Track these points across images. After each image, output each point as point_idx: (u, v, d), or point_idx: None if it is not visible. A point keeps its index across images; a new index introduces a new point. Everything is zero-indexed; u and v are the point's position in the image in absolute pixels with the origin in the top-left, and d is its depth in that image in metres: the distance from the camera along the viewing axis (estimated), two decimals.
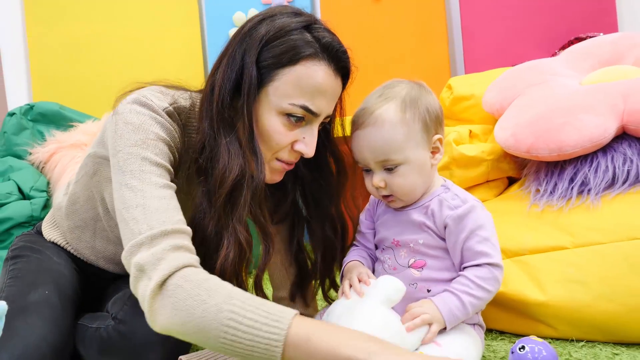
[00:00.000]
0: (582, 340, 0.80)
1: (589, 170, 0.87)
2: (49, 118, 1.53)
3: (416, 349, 0.64)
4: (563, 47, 1.58)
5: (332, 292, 0.84)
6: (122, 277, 0.89)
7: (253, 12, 1.76)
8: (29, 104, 1.54)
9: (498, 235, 0.80)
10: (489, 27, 1.68)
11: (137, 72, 1.76)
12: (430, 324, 0.64)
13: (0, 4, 1.84)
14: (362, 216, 0.82)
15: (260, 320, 0.54)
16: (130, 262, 0.60)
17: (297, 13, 0.69)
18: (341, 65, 0.70)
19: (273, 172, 0.72)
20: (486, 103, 1.14)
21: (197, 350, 0.75)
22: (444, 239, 0.70)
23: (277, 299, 0.88)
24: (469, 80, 1.29)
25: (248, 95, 0.66)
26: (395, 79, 0.75)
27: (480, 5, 1.69)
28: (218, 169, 0.66)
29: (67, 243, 0.88)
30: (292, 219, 0.82)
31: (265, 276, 0.75)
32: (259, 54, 0.67)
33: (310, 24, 0.68)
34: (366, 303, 0.64)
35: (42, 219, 1.25)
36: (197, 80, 0.75)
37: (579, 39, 1.54)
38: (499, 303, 0.85)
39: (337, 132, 0.78)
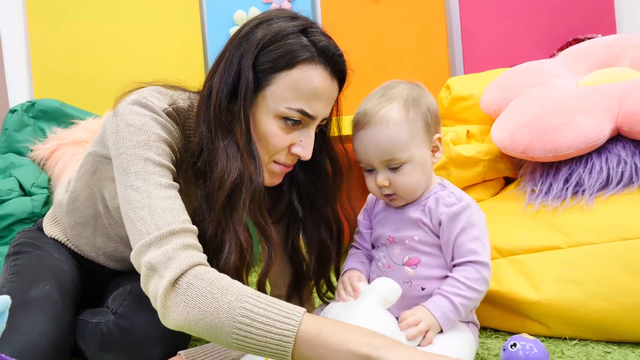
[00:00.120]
0: (575, 339, 0.81)
1: (583, 171, 0.88)
2: (50, 115, 1.54)
3: None
4: (561, 48, 1.58)
5: (328, 293, 0.85)
6: (122, 274, 0.90)
7: (254, 10, 1.76)
8: (30, 101, 1.55)
9: (494, 235, 0.81)
10: (488, 27, 1.69)
11: (137, 70, 1.77)
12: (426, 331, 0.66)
13: (2, 1, 1.85)
14: (360, 216, 0.83)
15: (273, 317, 0.55)
16: (140, 261, 0.62)
17: (294, 17, 0.70)
18: (337, 69, 0.71)
19: (272, 175, 0.73)
20: (484, 104, 1.15)
21: (196, 345, 0.76)
22: (438, 236, 0.72)
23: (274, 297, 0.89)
24: (468, 81, 1.30)
25: (245, 99, 0.67)
26: (394, 80, 0.76)
27: (479, 5, 1.70)
28: (216, 172, 0.67)
29: (68, 240, 0.89)
30: (287, 220, 0.83)
31: (260, 272, 0.76)
32: (256, 58, 0.67)
33: (306, 28, 0.69)
34: (362, 304, 0.66)
35: (43, 215, 1.26)
36: (198, 78, 0.76)
37: (577, 40, 1.55)
38: (494, 301, 0.86)
39: (333, 131, 0.79)
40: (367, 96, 0.76)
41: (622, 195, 0.85)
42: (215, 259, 0.66)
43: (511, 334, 0.85)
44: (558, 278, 0.81)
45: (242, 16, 1.77)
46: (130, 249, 0.64)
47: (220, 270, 0.62)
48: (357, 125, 0.73)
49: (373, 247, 0.80)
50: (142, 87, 0.73)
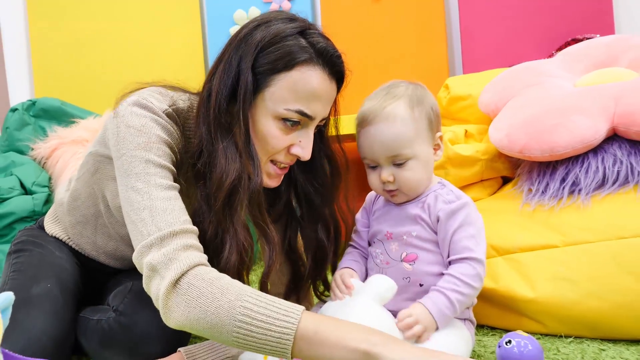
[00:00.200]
0: (570, 337, 0.82)
1: (580, 171, 0.89)
2: (51, 114, 1.54)
3: None
4: (560, 48, 1.59)
5: (326, 292, 0.86)
6: (123, 272, 0.90)
7: (254, 10, 1.77)
8: (31, 100, 1.55)
9: (491, 233, 0.82)
10: (487, 27, 1.69)
11: (138, 69, 1.78)
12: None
13: (3, 0, 1.85)
14: (359, 215, 0.84)
15: (272, 315, 0.56)
16: (142, 262, 0.63)
17: (292, 19, 0.71)
18: (336, 70, 0.72)
19: (269, 177, 0.74)
20: (482, 103, 1.16)
21: (196, 342, 0.76)
22: (436, 232, 0.73)
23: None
24: (466, 81, 1.30)
25: (244, 100, 0.68)
26: (396, 80, 0.78)
27: (479, 5, 1.70)
28: (215, 173, 0.68)
29: (69, 238, 0.89)
30: (285, 219, 0.84)
31: (259, 270, 0.77)
32: (255, 59, 0.68)
33: (304, 30, 0.70)
34: (359, 301, 0.67)
35: (44, 213, 1.26)
36: (198, 77, 0.77)
37: (575, 40, 1.55)
38: (490, 299, 0.87)
39: (331, 131, 0.80)
40: (369, 95, 0.77)
41: (618, 194, 0.85)
42: (215, 259, 0.67)
43: (508, 331, 0.85)
44: (554, 276, 0.82)
45: (242, 15, 1.77)
46: (131, 248, 0.65)
47: (221, 270, 0.63)
48: (363, 121, 0.74)
49: (369, 244, 0.81)
50: (142, 88, 0.74)
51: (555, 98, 1.00)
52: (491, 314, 0.88)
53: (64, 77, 1.81)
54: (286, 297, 0.85)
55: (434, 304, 0.67)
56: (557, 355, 0.75)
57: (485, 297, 0.86)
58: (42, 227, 0.94)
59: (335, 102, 0.76)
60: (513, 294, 0.84)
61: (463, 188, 1.06)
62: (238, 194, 0.68)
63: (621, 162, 0.87)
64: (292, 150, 0.72)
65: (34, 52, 1.82)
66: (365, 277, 0.78)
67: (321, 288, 0.84)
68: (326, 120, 0.76)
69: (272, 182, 0.75)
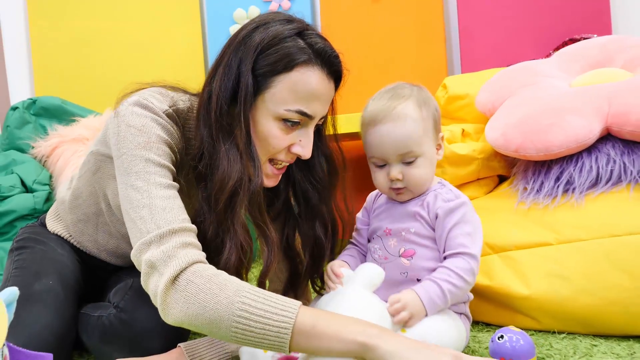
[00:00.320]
0: (563, 332, 0.84)
1: (574, 170, 0.90)
2: (52, 112, 1.55)
3: (397, 330, 0.67)
4: (557, 48, 1.60)
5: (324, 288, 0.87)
6: (124, 269, 0.91)
7: (253, 9, 1.78)
8: (31, 99, 1.56)
9: (487, 232, 0.84)
10: (486, 27, 1.70)
11: (138, 68, 1.79)
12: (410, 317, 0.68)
13: None
14: (360, 214, 0.86)
15: (271, 310, 0.57)
16: (141, 259, 0.63)
17: (289, 20, 0.72)
18: (334, 69, 0.73)
19: (268, 178, 0.75)
20: (479, 103, 1.17)
21: (196, 338, 0.77)
22: (434, 229, 0.75)
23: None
24: (464, 80, 1.31)
25: (245, 102, 0.69)
26: (400, 82, 0.79)
27: (477, 6, 1.71)
28: (217, 175, 0.69)
29: (70, 236, 0.90)
30: (283, 217, 0.85)
31: (258, 268, 0.78)
32: (255, 62, 0.69)
33: (302, 31, 0.71)
34: (349, 289, 0.68)
35: (45, 211, 1.28)
36: (198, 75, 0.78)
37: (573, 40, 1.56)
38: (486, 296, 0.88)
39: (328, 129, 0.81)
40: (373, 96, 0.78)
41: (611, 193, 0.87)
42: (215, 259, 0.68)
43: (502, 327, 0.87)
44: (548, 274, 0.83)
45: (242, 14, 1.78)
46: (132, 246, 0.66)
47: (221, 270, 0.64)
48: (373, 121, 0.75)
49: (369, 240, 0.83)
50: (143, 88, 0.75)
51: (550, 98, 1.01)
52: (486, 311, 0.90)
53: (64, 76, 1.82)
54: (284, 293, 0.86)
55: (425, 292, 0.69)
56: (550, 351, 0.76)
57: (481, 294, 0.88)
58: (43, 225, 0.95)
59: (332, 101, 0.78)
60: (508, 291, 0.85)
61: (460, 186, 1.08)
62: (239, 195, 0.69)
63: (614, 162, 0.88)
64: (292, 149, 0.73)
65: (34, 51, 1.83)
66: None
67: (319, 284, 0.85)
68: (324, 118, 0.78)
69: (269, 182, 0.76)
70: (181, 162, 0.74)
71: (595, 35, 1.52)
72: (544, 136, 0.93)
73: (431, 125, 0.76)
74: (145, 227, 0.64)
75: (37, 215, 1.31)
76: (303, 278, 0.85)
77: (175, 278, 0.61)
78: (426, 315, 0.68)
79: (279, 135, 0.71)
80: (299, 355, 0.64)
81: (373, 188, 0.85)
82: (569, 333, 0.83)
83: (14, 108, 1.54)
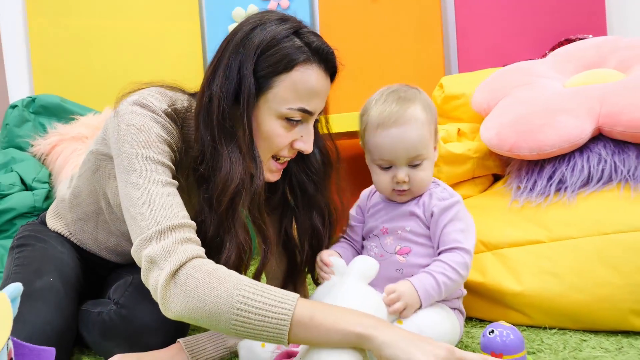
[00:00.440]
0: (554, 328, 0.85)
1: (566, 169, 0.92)
2: (51, 111, 1.55)
3: (393, 321, 0.69)
4: (553, 48, 1.61)
5: None
6: (123, 266, 0.92)
7: (252, 7, 1.78)
8: (30, 97, 1.56)
9: (481, 229, 0.85)
10: (483, 27, 1.71)
11: (137, 66, 1.79)
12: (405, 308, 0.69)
13: None
14: (353, 211, 0.87)
15: (269, 303, 0.59)
16: (141, 255, 0.65)
17: (284, 19, 0.73)
18: (330, 66, 0.75)
19: (272, 173, 0.77)
20: (475, 103, 1.18)
21: (195, 333, 0.79)
22: (429, 227, 0.77)
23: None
24: (460, 80, 1.32)
25: (247, 104, 0.70)
26: (400, 84, 0.80)
27: (475, 6, 1.72)
28: (219, 177, 0.70)
29: (71, 234, 0.91)
30: (281, 209, 0.87)
31: (255, 265, 0.80)
32: (256, 64, 0.71)
33: (298, 30, 0.73)
34: (345, 282, 0.70)
35: (44, 209, 1.28)
36: (196, 73, 0.79)
37: (568, 41, 1.58)
38: (479, 293, 0.90)
39: (322, 129, 0.83)
40: (375, 98, 0.79)
41: (602, 192, 0.88)
42: (215, 258, 0.69)
43: None
44: (539, 271, 0.85)
45: (241, 13, 1.79)
46: (131, 244, 0.67)
47: None
48: (382, 124, 0.75)
49: (364, 239, 0.84)
50: (142, 88, 0.76)
51: (544, 98, 1.02)
52: (479, 307, 0.91)
53: (64, 74, 1.82)
54: (283, 285, 0.87)
55: (420, 283, 0.70)
56: (541, 346, 0.78)
57: (474, 291, 0.89)
58: (44, 223, 0.96)
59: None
60: (500, 287, 0.87)
61: (455, 185, 1.09)
62: (241, 196, 0.70)
63: (605, 161, 0.90)
64: (295, 145, 0.75)
65: (34, 49, 1.83)
66: None
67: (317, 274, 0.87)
68: (321, 113, 0.79)
69: (273, 177, 0.78)
70: (180, 161, 0.75)
71: (590, 36, 1.54)
72: (537, 136, 0.94)
73: (433, 128, 0.78)
74: (145, 223, 0.65)
75: (37, 213, 1.32)
76: (302, 268, 0.87)
77: (175, 273, 0.62)
78: (421, 306, 0.70)
79: (282, 134, 0.73)
80: (300, 348, 0.66)
81: (365, 186, 0.86)
82: (559, 328, 0.85)
83: (13, 106, 1.54)
